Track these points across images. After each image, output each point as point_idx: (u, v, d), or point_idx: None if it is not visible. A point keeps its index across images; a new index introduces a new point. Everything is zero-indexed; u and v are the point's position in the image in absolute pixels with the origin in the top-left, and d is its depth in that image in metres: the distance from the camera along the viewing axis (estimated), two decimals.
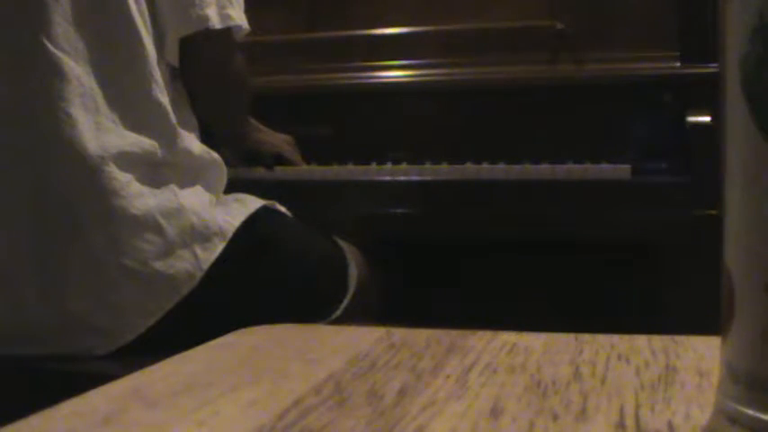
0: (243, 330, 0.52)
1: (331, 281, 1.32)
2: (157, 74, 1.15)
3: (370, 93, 1.71)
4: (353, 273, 1.34)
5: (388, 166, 1.60)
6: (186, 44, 1.21)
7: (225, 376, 0.41)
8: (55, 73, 1.08)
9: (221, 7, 1.22)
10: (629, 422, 0.33)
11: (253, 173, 1.59)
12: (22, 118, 1.10)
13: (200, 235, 1.14)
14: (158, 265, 1.11)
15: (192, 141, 1.20)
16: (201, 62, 1.26)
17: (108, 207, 1.09)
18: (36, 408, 0.35)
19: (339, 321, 1.28)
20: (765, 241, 0.27)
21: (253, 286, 1.19)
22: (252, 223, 1.20)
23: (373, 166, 1.60)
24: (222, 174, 1.27)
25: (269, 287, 1.21)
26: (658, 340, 0.47)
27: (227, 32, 1.25)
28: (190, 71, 1.24)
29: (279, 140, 1.58)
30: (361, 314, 1.33)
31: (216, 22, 1.21)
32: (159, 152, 1.14)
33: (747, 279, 0.28)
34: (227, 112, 1.43)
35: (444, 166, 1.57)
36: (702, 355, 0.43)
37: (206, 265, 1.13)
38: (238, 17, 1.25)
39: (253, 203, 1.25)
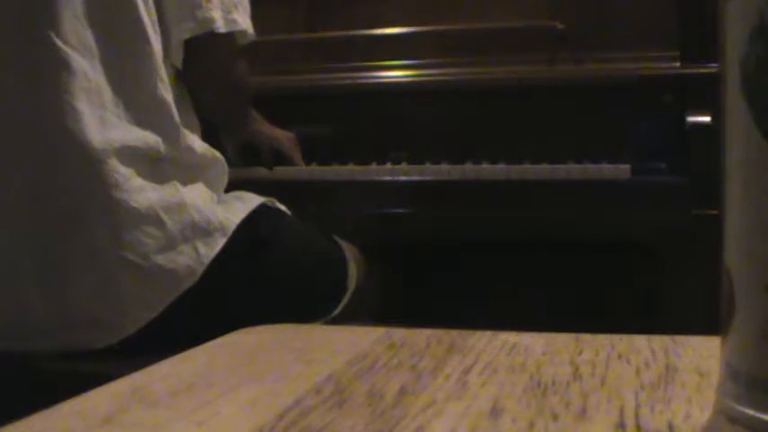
0: (243, 330, 0.52)
1: (330, 280, 1.32)
2: (163, 71, 1.15)
3: (370, 93, 1.71)
4: (353, 272, 1.34)
5: (388, 166, 1.60)
6: (190, 46, 1.21)
7: (225, 376, 0.41)
8: (61, 67, 1.08)
9: (227, 12, 1.22)
10: (629, 422, 0.33)
11: (253, 172, 1.59)
12: (27, 110, 1.10)
13: (202, 230, 1.14)
14: (159, 259, 1.11)
15: (194, 140, 1.20)
16: (204, 65, 1.26)
17: (109, 200, 1.09)
18: (36, 408, 0.35)
19: (338, 320, 1.28)
20: (765, 241, 0.27)
21: (252, 283, 1.19)
22: (252, 220, 1.21)
23: (373, 166, 1.60)
24: (223, 172, 1.27)
25: (269, 284, 1.21)
26: (658, 340, 0.47)
27: (230, 37, 1.26)
28: (192, 73, 1.24)
29: (279, 135, 1.59)
30: (360, 314, 1.33)
31: (221, 26, 1.22)
32: (162, 148, 1.14)
33: (747, 279, 0.28)
34: (228, 114, 1.44)
35: (444, 166, 1.57)
36: (702, 355, 0.43)
37: (207, 261, 1.14)
38: (244, 22, 1.26)
39: (253, 201, 1.25)
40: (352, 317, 1.29)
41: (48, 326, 1.11)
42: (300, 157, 1.62)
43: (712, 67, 1.49)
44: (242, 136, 1.55)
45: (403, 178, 1.57)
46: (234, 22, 1.24)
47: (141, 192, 1.11)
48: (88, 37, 1.11)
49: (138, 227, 1.10)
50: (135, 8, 1.13)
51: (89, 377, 0.45)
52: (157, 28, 1.17)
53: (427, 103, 1.69)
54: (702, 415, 0.33)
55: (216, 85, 1.31)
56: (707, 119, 1.46)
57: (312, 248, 1.31)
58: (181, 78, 1.24)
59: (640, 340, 0.47)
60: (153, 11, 1.16)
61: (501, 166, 1.54)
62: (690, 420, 0.33)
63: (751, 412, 0.28)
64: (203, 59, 1.25)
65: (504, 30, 1.67)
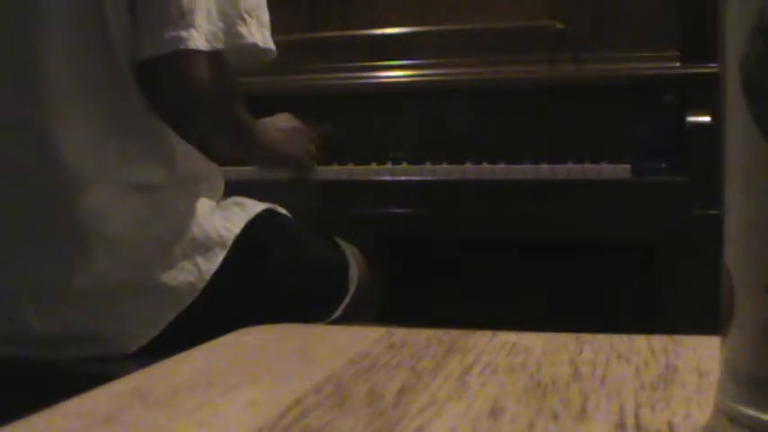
0: (243, 330, 0.52)
1: (331, 281, 1.32)
2: None
3: (370, 93, 1.71)
4: (354, 273, 1.34)
5: (388, 166, 1.60)
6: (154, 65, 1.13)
7: (225, 376, 0.41)
8: (57, 98, 1.08)
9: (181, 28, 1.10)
10: (629, 422, 0.33)
11: (251, 172, 1.59)
12: (23, 141, 1.10)
13: (202, 245, 1.14)
14: (161, 277, 1.11)
15: (189, 159, 1.18)
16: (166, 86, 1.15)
17: (108, 226, 1.09)
18: (36, 408, 0.35)
19: (339, 321, 1.28)
20: (765, 241, 0.27)
21: (254, 289, 1.19)
22: (252, 228, 1.20)
23: (373, 166, 1.60)
24: (220, 179, 1.27)
25: (270, 290, 1.21)
26: (658, 340, 0.47)
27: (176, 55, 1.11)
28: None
29: (298, 154, 1.43)
30: (361, 314, 1.33)
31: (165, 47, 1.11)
32: (158, 176, 1.13)
33: (747, 279, 0.28)
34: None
35: (444, 166, 1.57)
36: (702, 355, 0.43)
37: (208, 275, 1.13)
38: (192, 37, 1.11)
39: (252, 208, 1.24)
40: (353, 317, 1.29)
41: (48, 343, 1.11)
42: (312, 171, 1.48)
43: (712, 67, 1.49)
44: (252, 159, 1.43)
45: (403, 178, 1.57)
46: (179, 40, 1.10)
47: (140, 216, 1.11)
48: (81, 69, 1.09)
49: (139, 249, 1.10)
50: (116, 35, 1.10)
51: (89, 377, 0.45)
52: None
53: (427, 103, 1.69)
54: (702, 415, 0.33)
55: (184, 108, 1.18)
56: (707, 119, 1.46)
57: (312, 252, 1.31)
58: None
59: (640, 340, 0.47)
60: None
61: (501, 166, 1.54)
62: (690, 420, 0.33)
63: (751, 412, 0.28)
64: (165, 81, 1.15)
65: (504, 30, 1.67)
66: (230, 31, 1.13)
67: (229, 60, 1.17)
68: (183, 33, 1.09)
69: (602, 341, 0.47)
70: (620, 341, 0.46)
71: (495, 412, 0.34)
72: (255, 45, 1.16)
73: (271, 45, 1.19)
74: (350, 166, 1.61)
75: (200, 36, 1.10)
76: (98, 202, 1.09)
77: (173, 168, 1.15)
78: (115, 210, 1.09)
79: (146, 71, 1.12)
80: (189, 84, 1.13)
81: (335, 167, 1.61)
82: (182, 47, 1.09)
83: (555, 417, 0.34)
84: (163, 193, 1.14)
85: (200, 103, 1.15)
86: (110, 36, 1.10)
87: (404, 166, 1.59)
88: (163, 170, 1.14)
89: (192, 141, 1.20)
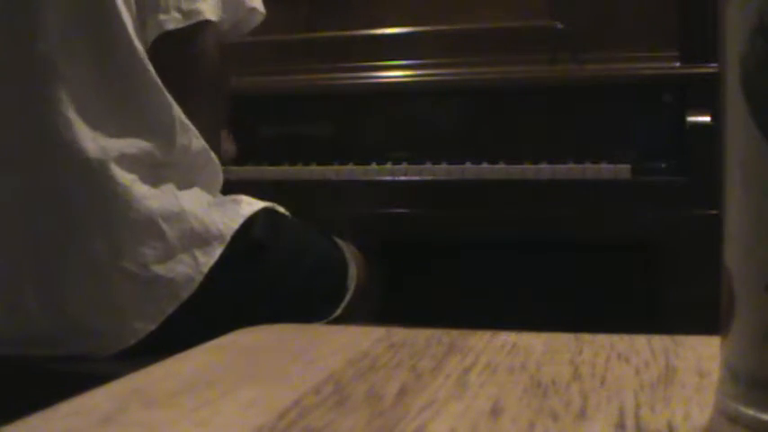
0: (243, 330, 0.52)
1: (331, 281, 1.31)
2: (153, 73, 1.14)
3: (370, 93, 1.71)
4: (353, 273, 1.33)
5: (388, 166, 1.60)
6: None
7: (225, 376, 0.41)
8: (52, 75, 1.08)
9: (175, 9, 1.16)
10: (629, 422, 0.33)
11: (251, 172, 1.59)
12: (19, 121, 1.10)
13: (200, 239, 1.14)
14: (159, 269, 1.11)
15: (190, 137, 1.18)
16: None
17: (109, 210, 1.09)
18: (36, 408, 0.35)
19: (339, 321, 1.28)
20: (765, 241, 0.27)
21: (252, 288, 1.19)
22: (251, 225, 1.20)
23: (373, 166, 1.60)
24: (218, 174, 1.26)
25: (269, 288, 1.20)
26: (658, 340, 0.47)
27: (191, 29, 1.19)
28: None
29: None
30: (361, 314, 1.32)
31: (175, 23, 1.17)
32: (158, 152, 1.13)
33: (747, 279, 0.28)
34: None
35: (444, 166, 1.57)
36: (702, 355, 0.43)
37: (206, 269, 1.13)
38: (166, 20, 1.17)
39: (251, 205, 1.24)
40: (352, 317, 1.29)
41: (48, 336, 1.11)
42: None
43: (712, 67, 1.49)
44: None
45: (403, 178, 1.58)
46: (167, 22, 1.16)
47: (141, 201, 1.10)
48: (75, 42, 1.10)
49: (139, 237, 1.10)
50: (118, 11, 1.12)
51: (89, 377, 0.45)
52: (137, 25, 1.15)
53: (427, 103, 1.69)
54: (702, 415, 0.33)
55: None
56: (707, 119, 1.46)
57: (312, 250, 1.31)
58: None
59: (640, 340, 0.47)
60: (134, 10, 1.14)
61: (501, 166, 1.54)
62: (690, 420, 0.33)
63: (751, 412, 0.28)
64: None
65: (504, 30, 1.67)
66: (232, 0, 1.22)
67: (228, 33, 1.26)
68: (200, 6, 1.17)
69: (602, 341, 0.47)
70: (620, 341, 0.47)
71: (495, 412, 0.34)
72: (255, 10, 1.26)
73: (263, 9, 1.28)
74: (350, 166, 1.61)
75: (209, 7, 1.18)
76: (94, 176, 1.08)
77: (170, 146, 1.14)
78: (112, 183, 1.09)
79: (165, 44, 1.16)
80: (204, 53, 1.21)
81: (335, 167, 1.62)
82: (201, 18, 1.16)
83: (555, 417, 0.34)
84: (160, 171, 1.14)
85: (210, 72, 1.23)
86: (113, 14, 1.11)
87: (404, 166, 1.59)
88: (160, 146, 1.13)
89: (192, 119, 1.23)
